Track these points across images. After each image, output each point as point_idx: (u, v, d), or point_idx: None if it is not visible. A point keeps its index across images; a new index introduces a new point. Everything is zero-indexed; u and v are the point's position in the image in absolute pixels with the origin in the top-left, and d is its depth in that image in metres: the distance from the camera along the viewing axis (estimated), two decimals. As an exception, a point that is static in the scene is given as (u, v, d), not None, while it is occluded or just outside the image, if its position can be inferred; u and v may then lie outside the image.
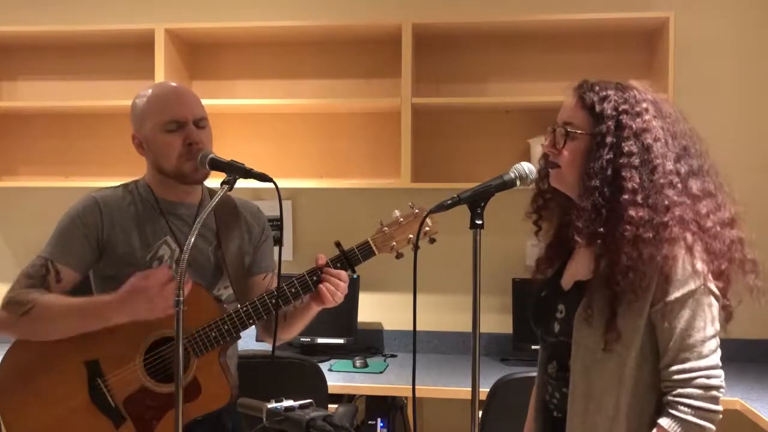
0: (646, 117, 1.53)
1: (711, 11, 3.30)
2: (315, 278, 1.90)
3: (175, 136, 1.86)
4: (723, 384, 1.48)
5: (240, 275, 2.00)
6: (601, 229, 1.49)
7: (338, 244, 1.92)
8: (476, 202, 1.44)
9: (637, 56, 3.31)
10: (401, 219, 1.93)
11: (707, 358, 1.47)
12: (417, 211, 1.94)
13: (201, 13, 3.54)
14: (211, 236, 1.97)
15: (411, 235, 1.91)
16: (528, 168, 1.49)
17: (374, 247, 1.92)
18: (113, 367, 1.85)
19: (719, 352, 1.50)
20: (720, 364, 1.49)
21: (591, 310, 1.51)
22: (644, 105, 1.55)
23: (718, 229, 1.53)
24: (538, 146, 3.18)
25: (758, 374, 2.98)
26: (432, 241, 1.93)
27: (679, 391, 1.46)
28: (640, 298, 1.48)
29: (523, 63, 3.39)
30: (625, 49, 3.31)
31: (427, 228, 1.91)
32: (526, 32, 3.34)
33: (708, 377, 1.46)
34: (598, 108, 1.54)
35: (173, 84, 2.05)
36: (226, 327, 1.86)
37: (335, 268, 1.90)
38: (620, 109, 1.53)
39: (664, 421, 1.47)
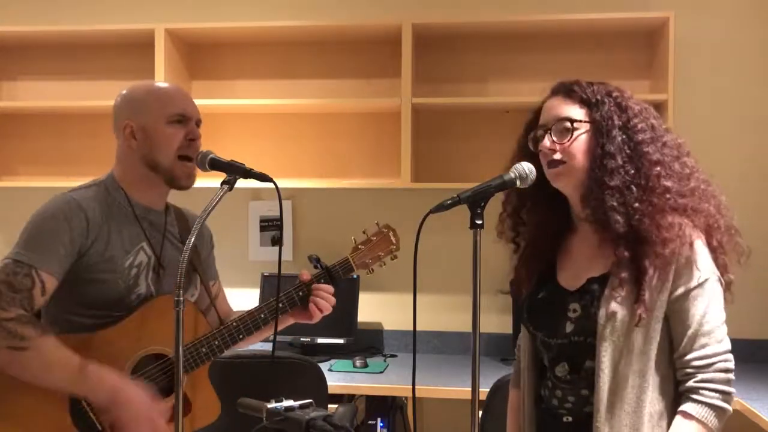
0: (636, 100, 1.61)
1: (711, 11, 3.30)
2: (300, 294, 1.95)
3: (178, 129, 1.84)
4: (734, 367, 1.52)
5: (206, 279, 2.02)
6: (637, 204, 1.52)
7: (317, 260, 1.97)
8: (476, 202, 1.43)
9: (637, 56, 3.31)
10: (372, 237, 2.05)
11: (722, 342, 1.51)
12: (384, 230, 2.07)
13: (201, 13, 3.54)
14: (177, 242, 1.95)
15: (380, 253, 2.06)
16: (528, 168, 1.49)
17: (353, 264, 2.03)
18: None
19: (728, 337, 1.54)
20: (731, 348, 1.52)
21: (621, 288, 1.52)
22: (628, 93, 1.62)
23: (715, 194, 1.60)
24: (538, 146, 3.18)
25: (758, 374, 2.98)
26: (394, 257, 2.08)
27: (702, 376, 1.49)
28: (664, 277, 1.51)
29: (523, 63, 3.38)
30: (625, 49, 3.31)
31: (392, 246, 2.06)
32: (526, 32, 3.34)
33: (726, 360, 1.50)
34: (592, 97, 1.59)
35: (177, 85, 2.03)
36: (216, 343, 1.86)
37: (320, 283, 1.97)
38: (613, 95, 1.60)
39: (691, 408, 1.49)
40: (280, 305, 1.91)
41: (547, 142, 1.62)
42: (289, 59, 3.51)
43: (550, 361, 1.68)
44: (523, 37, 3.36)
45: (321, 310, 1.94)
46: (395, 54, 3.21)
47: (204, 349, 1.84)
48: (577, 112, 1.60)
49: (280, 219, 2.02)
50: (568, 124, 1.59)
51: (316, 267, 1.99)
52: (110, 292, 1.78)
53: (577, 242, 1.69)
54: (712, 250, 1.56)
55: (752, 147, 3.26)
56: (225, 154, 1.77)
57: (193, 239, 1.53)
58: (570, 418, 1.62)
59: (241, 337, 1.88)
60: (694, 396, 1.49)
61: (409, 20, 3.18)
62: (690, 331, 1.51)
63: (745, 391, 2.72)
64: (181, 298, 1.51)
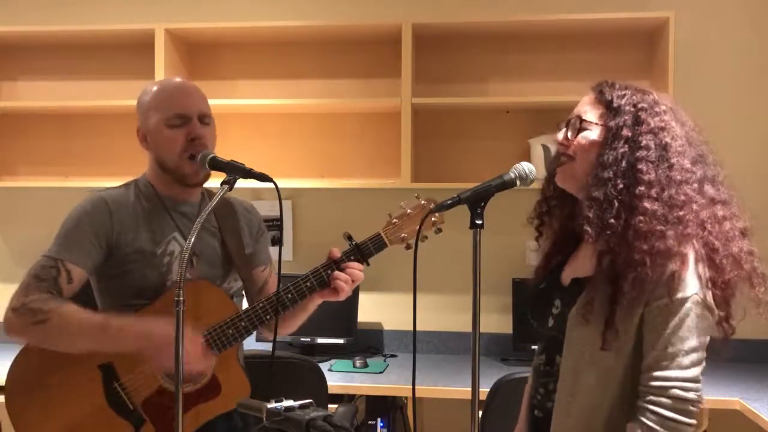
0: (665, 117, 1.53)
1: (711, 11, 3.30)
2: (330, 272, 1.92)
3: (178, 131, 1.86)
4: (700, 398, 1.44)
5: (245, 267, 2.03)
6: (612, 221, 1.46)
7: (349, 237, 1.94)
8: (476, 202, 1.44)
9: (637, 56, 3.31)
10: (409, 210, 1.97)
11: (687, 369, 1.44)
12: (423, 202, 1.98)
13: (201, 13, 3.54)
14: (215, 231, 1.98)
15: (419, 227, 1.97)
16: (528, 168, 1.49)
17: (386, 239, 1.96)
18: (129, 370, 1.82)
19: (702, 365, 1.46)
20: (700, 378, 1.45)
21: (590, 307, 1.49)
22: (663, 107, 1.55)
23: (734, 234, 1.51)
24: (538, 146, 3.18)
25: (758, 374, 2.98)
26: (439, 231, 1.97)
27: (651, 398, 1.44)
28: (640, 297, 1.46)
29: (523, 63, 3.39)
30: (625, 49, 3.31)
31: (434, 219, 1.96)
32: (526, 32, 3.34)
33: (684, 389, 1.43)
34: (615, 103, 1.54)
35: (179, 79, 2.04)
36: (243, 324, 1.87)
37: (350, 260, 1.94)
38: (639, 106, 1.54)
39: (630, 426, 1.46)
40: (309, 284, 1.91)
41: (560, 135, 1.61)
42: (289, 59, 3.51)
43: (538, 351, 1.69)
44: (523, 37, 3.37)
45: (344, 285, 1.91)
46: (395, 54, 3.22)
47: (231, 331, 1.86)
48: (597, 113, 1.57)
49: (280, 219, 2.02)
50: (579, 122, 1.57)
51: (349, 245, 1.95)
52: (145, 281, 1.85)
53: (585, 240, 1.66)
54: (712, 282, 1.48)
55: (753, 147, 3.26)
56: (225, 154, 1.78)
57: (193, 239, 1.56)
58: (540, 413, 1.62)
59: (268, 317, 1.89)
60: (639, 416, 1.44)
61: (409, 20, 3.19)
62: (654, 349, 1.45)
63: (745, 391, 2.72)
64: (182, 298, 1.53)
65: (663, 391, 1.43)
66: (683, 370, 1.43)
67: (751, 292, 1.52)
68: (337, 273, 1.91)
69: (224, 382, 1.88)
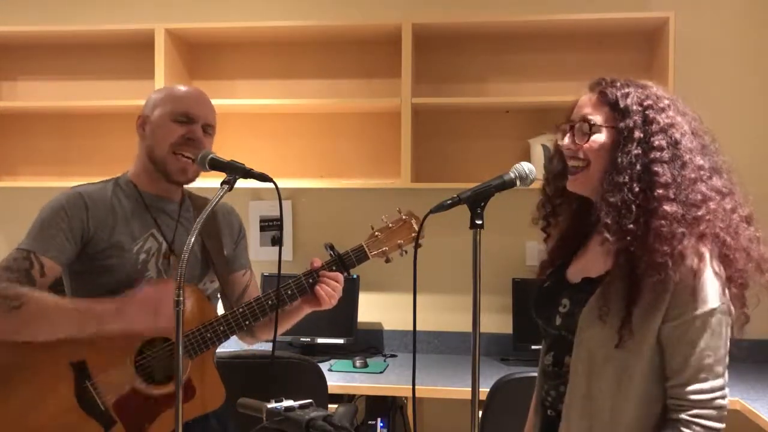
0: (671, 113, 1.52)
1: (711, 11, 3.30)
2: (311, 281, 1.94)
3: (179, 127, 1.90)
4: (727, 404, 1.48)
5: (224, 270, 2.03)
6: (632, 226, 1.45)
7: (331, 247, 1.96)
8: (476, 202, 1.43)
9: (637, 56, 3.31)
10: (391, 225, 2.01)
11: (722, 378, 1.46)
12: (405, 216, 2.01)
13: (201, 13, 3.54)
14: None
15: (400, 241, 2.00)
16: (528, 168, 1.49)
17: (368, 252, 1.99)
18: (102, 369, 1.79)
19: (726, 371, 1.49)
20: (727, 381, 1.48)
21: (606, 309, 1.47)
22: (666, 101, 1.53)
23: (742, 225, 1.52)
24: (538, 146, 3.18)
25: (758, 374, 2.98)
26: (419, 246, 1.98)
27: (698, 411, 1.44)
28: (660, 298, 1.45)
29: (523, 63, 3.39)
30: (625, 49, 3.31)
31: (413, 234, 2.00)
32: (526, 32, 3.34)
33: (723, 398, 1.46)
34: (622, 103, 1.52)
35: (198, 89, 2.07)
36: (221, 328, 1.87)
37: (330, 270, 1.95)
38: (645, 104, 1.51)
39: None
40: (289, 292, 1.92)
41: (567, 140, 1.58)
42: (289, 59, 3.51)
43: (544, 350, 1.68)
44: (523, 37, 3.37)
45: (327, 298, 1.93)
46: (395, 54, 3.21)
47: (209, 335, 1.86)
48: (603, 114, 1.54)
49: (280, 219, 2.02)
50: (587, 127, 1.54)
51: (330, 255, 1.97)
52: (120, 276, 1.83)
53: (594, 238, 1.64)
54: (728, 279, 1.48)
55: (752, 147, 3.26)
56: (225, 154, 1.78)
57: (193, 239, 1.54)
58: (553, 413, 1.62)
59: (247, 322, 1.88)
60: (683, 428, 1.44)
61: (409, 20, 3.18)
62: (690, 362, 1.45)
63: (745, 391, 2.72)
64: (181, 298, 1.52)
65: (707, 403, 1.44)
66: (720, 379, 1.46)
67: (761, 279, 1.52)
68: (321, 282, 1.93)
69: (199, 386, 1.87)
